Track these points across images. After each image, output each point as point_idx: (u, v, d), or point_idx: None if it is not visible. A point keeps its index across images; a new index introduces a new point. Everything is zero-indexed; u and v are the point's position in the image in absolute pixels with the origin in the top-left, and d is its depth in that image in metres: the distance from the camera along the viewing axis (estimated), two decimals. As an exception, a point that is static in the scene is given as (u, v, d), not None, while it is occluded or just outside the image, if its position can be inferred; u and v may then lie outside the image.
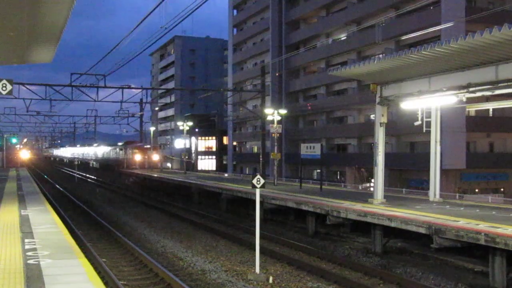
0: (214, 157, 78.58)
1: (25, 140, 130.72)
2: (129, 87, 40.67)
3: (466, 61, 14.85)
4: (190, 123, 49.62)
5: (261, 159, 34.70)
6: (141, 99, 65.87)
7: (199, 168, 74.38)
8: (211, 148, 78.76)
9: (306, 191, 23.99)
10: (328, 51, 54.39)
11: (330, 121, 56.01)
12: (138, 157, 59.58)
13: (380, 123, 18.70)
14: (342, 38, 52.35)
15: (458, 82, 15.58)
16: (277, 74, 60.71)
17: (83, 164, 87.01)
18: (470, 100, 18.14)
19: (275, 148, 29.24)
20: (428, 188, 20.92)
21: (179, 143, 75.76)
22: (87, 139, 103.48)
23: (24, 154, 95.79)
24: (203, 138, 78.50)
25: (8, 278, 8.14)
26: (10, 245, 10.82)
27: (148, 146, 62.36)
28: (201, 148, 79.46)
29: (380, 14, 43.39)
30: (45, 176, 64.08)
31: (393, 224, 14.87)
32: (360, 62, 18.70)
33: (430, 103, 18.19)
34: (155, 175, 42.09)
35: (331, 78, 48.58)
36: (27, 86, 33.69)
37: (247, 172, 66.87)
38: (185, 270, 14.22)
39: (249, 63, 72.51)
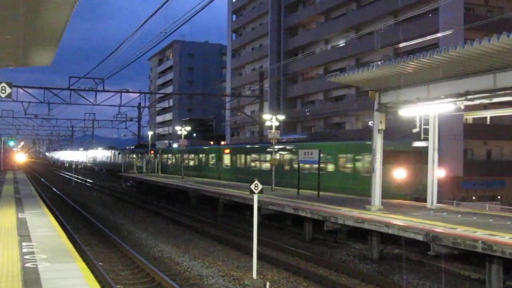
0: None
1: (22, 143, 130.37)
2: (128, 91, 40.82)
3: (464, 69, 14.90)
4: (188, 128, 49.50)
5: (259, 164, 34.65)
6: (139, 104, 65.94)
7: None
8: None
9: (304, 197, 23.96)
10: (327, 57, 54.57)
11: (328, 127, 56.09)
12: None
13: (378, 130, 18.72)
14: (341, 45, 52.53)
15: (457, 89, 15.63)
16: (277, 80, 60.84)
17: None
18: (468, 108, 18.20)
19: (273, 153, 29.22)
20: (425, 195, 20.88)
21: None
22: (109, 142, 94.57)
23: (21, 157, 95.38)
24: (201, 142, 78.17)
25: (6, 281, 8.13)
26: (8, 249, 10.81)
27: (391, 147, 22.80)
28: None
29: (379, 21, 43.60)
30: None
31: (390, 231, 14.88)
32: (358, 68, 18.73)
33: (428, 110, 18.21)
34: (152, 180, 42.01)
35: (329, 84, 48.73)
36: (25, 89, 33.76)
37: (244, 177, 66.68)
38: (182, 275, 14.20)
39: (248, 68, 72.70)
